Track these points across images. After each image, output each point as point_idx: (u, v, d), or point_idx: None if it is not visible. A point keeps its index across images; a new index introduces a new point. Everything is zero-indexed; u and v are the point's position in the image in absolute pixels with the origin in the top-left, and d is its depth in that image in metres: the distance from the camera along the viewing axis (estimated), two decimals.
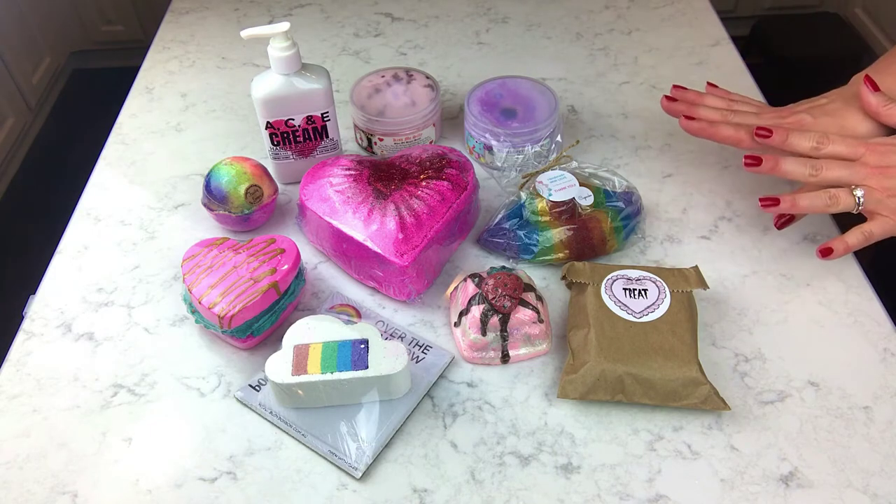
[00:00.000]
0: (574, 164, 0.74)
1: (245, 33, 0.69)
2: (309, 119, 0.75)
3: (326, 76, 0.74)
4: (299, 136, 0.76)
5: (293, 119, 0.75)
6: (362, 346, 0.60)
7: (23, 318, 0.70)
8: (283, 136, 0.76)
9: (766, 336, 0.65)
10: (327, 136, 0.78)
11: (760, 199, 0.65)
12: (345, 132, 0.88)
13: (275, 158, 0.79)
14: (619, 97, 0.92)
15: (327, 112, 0.75)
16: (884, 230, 0.63)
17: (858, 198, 0.62)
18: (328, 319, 0.62)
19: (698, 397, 0.58)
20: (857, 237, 0.64)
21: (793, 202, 0.64)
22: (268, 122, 0.75)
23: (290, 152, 0.78)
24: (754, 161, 0.64)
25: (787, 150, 0.64)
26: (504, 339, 0.62)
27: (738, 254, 0.73)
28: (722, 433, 0.59)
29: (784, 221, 0.68)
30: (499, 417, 0.60)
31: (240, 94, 0.96)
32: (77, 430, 0.61)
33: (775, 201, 0.64)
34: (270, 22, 1.08)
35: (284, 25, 0.69)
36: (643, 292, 0.63)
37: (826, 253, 0.64)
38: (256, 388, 0.62)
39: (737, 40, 1.02)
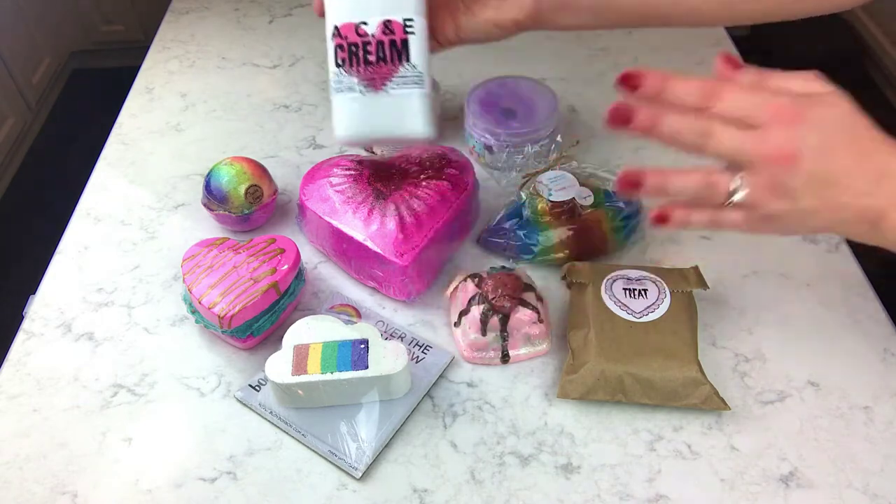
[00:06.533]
0: (574, 164, 0.74)
1: None
2: (387, 26, 0.54)
3: None
4: (370, 52, 0.54)
5: (366, 23, 0.54)
6: (362, 346, 0.60)
7: (23, 318, 0.70)
8: (350, 50, 0.54)
9: (766, 336, 0.65)
10: (408, 60, 0.54)
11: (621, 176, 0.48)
12: None
13: (337, 91, 0.55)
14: (619, 97, 0.92)
15: (412, 21, 0.53)
16: (746, 229, 0.47)
17: (735, 189, 0.45)
18: (328, 319, 0.62)
19: (698, 397, 0.58)
20: (706, 220, 0.47)
21: (663, 181, 0.47)
22: (335, 29, 0.54)
23: (355, 80, 0.54)
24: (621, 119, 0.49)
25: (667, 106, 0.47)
26: (504, 339, 0.62)
27: (738, 254, 0.72)
28: (722, 433, 0.58)
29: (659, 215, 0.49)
30: (499, 417, 0.60)
31: (240, 93, 0.96)
32: (77, 430, 0.61)
33: (636, 177, 0.47)
34: (270, 22, 1.08)
35: None
36: (643, 292, 0.63)
37: (660, 220, 0.48)
38: (256, 388, 0.62)
39: (737, 40, 1.02)
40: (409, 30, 0.53)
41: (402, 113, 0.55)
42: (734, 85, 0.46)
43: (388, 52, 0.53)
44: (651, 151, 0.84)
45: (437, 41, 0.57)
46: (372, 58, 0.54)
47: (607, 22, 0.58)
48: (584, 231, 0.70)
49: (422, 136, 0.55)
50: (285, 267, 0.65)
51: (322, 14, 0.55)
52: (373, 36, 0.54)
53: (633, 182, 0.47)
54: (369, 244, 0.66)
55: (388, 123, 0.55)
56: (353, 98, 0.55)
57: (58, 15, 2.30)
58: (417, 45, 0.54)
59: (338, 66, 0.55)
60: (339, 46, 0.54)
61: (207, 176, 0.73)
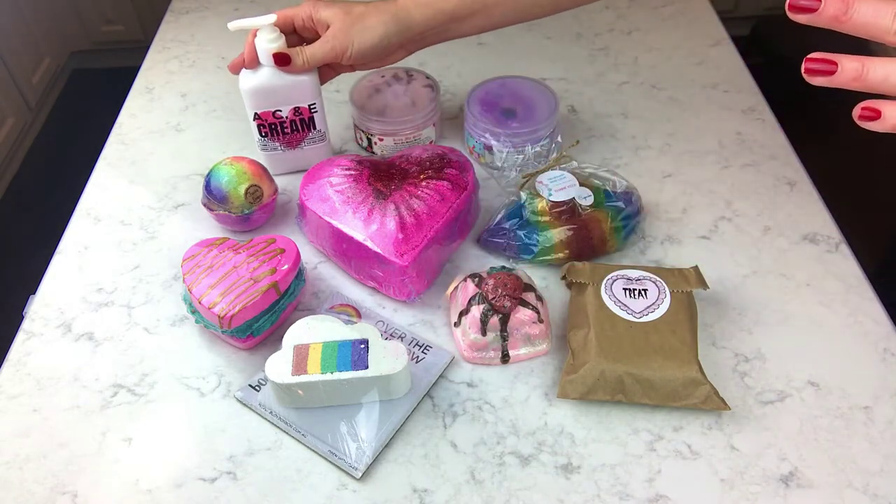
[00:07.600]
0: (574, 164, 0.74)
1: (232, 25, 0.69)
2: (296, 110, 0.75)
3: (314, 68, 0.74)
4: (287, 128, 0.77)
5: (280, 111, 0.75)
6: (362, 346, 0.60)
7: (23, 318, 0.70)
8: (270, 127, 0.77)
9: (766, 336, 0.65)
10: (314, 128, 0.78)
11: (807, 60, 0.42)
12: (345, 132, 0.88)
13: (263, 150, 0.79)
14: (619, 97, 0.92)
15: (314, 104, 0.75)
16: None
17: None
18: (328, 319, 0.62)
19: (698, 397, 0.58)
20: None
21: (862, 66, 0.41)
22: (255, 114, 0.75)
23: (277, 143, 0.78)
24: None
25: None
26: (504, 339, 0.62)
27: (738, 254, 0.73)
28: (722, 433, 0.59)
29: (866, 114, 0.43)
30: (499, 417, 0.60)
31: (240, 93, 0.96)
32: (77, 430, 0.61)
33: (831, 63, 0.41)
34: None
35: (271, 17, 0.69)
36: (643, 292, 0.63)
37: (868, 117, 0.42)
38: (256, 388, 0.62)
39: (737, 40, 1.02)
40: (313, 110, 0.76)
41: (314, 156, 0.80)
42: None
43: (299, 126, 0.77)
44: (650, 152, 0.85)
45: (333, 72, 0.77)
46: (287, 130, 0.77)
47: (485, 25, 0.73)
48: (584, 231, 0.70)
49: None
50: (285, 267, 0.65)
51: (236, 72, 0.75)
52: (286, 117, 0.76)
53: (826, 66, 0.42)
54: (369, 244, 0.66)
55: (304, 163, 0.80)
56: (277, 153, 0.80)
57: (58, 15, 2.30)
58: (320, 116, 0.77)
59: (262, 136, 0.78)
60: (260, 125, 0.77)
61: (207, 176, 0.73)
